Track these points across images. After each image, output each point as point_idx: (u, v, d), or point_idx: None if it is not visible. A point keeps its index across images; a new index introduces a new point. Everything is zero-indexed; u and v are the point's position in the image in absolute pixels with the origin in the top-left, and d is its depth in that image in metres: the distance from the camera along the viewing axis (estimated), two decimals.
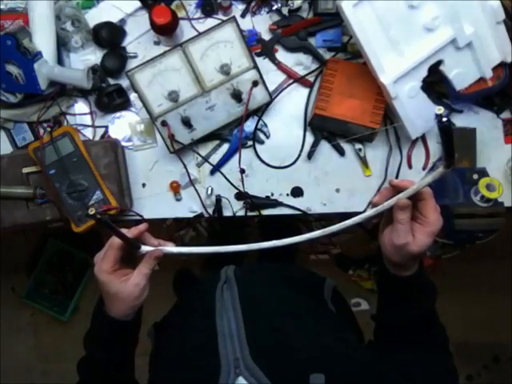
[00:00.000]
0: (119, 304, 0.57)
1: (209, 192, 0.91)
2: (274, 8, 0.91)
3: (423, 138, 0.92)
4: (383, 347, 0.63)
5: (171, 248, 0.60)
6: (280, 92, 0.92)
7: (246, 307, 0.58)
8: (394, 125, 0.87)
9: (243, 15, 0.93)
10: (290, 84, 0.92)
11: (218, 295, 0.63)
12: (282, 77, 0.94)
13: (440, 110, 0.45)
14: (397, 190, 0.56)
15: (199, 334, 0.59)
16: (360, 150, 0.91)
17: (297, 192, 0.93)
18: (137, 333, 0.65)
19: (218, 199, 0.89)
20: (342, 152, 0.92)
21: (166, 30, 0.86)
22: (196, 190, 0.89)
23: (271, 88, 0.90)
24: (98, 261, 0.57)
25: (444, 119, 0.46)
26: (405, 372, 0.54)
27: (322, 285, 0.76)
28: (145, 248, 0.59)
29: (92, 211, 0.49)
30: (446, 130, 0.47)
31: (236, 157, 0.90)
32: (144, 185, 0.93)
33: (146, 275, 0.57)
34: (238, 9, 0.94)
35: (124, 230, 0.57)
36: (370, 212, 0.57)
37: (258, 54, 0.93)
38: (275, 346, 0.51)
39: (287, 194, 0.93)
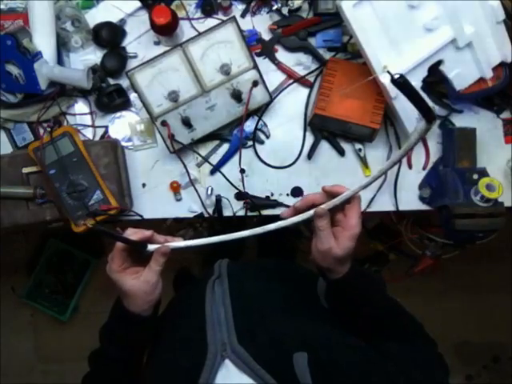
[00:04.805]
0: (134, 300, 0.59)
1: (209, 192, 0.91)
2: (274, 8, 0.91)
3: (423, 138, 0.92)
4: None
5: (178, 243, 0.62)
6: (280, 92, 0.92)
7: (236, 300, 0.60)
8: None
9: (243, 15, 0.93)
10: (290, 84, 0.92)
11: (208, 289, 0.64)
12: (282, 77, 0.94)
13: (385, 68, 0.44)
14: (329, 195, 0.59)
15: (189, 325, 0.60)
16: (360, 150, 0.91)
17: (297, 192, 0.93)
18: (152, 330, 0.66)
19: (218, 199, 0.89)
20: (342, 152, 0.92)
21: (165, 30, 0.86)
22: (196, 190, 0.89)
23: (271, 88, 0.90)
24: (109, 260, 0.60)
25: (396, 76, 0.43)
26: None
27: (316, 281, 0.76)
28: (151, 246, 0.60)
29: (88, 222, 0.50)
30: (403, 86, 0.44)
31: (236, 157, 0.90)
32: (144, 185, 0.93)
33: (156, 272, 0.59)
34: (237, 9, 0.94)
35: (131, 231, 0.59)
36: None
37: (258, 54, 0.93)
38: (261, 331, 0.53)
39: (287, 194, 0.93)
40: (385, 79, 0.78)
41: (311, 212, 0.58)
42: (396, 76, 0.43)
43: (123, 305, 0.60)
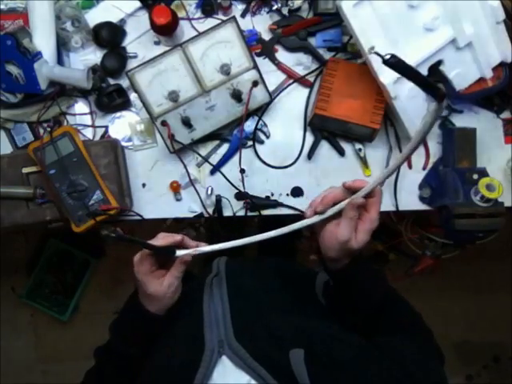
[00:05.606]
0: (155, 302, 0.61)
1: (209, 192, 0.91)
2: (274, 8, 0.91)
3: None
4: None
5: (204, 248, 0.62)
6: (280, 92, 0.92)
7: (234, 297, 0.60)
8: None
9: (243, 15, 0.93)
10: (290, 84, 0.92)
11: (206, 287, 0.65)
12: (282, 77, 0.93)
13: (372, 48, 0.39)
14: (351, 190, 0.58)
15: (186, 323, 0.61)
16: (360, 150, 0.91)
17: (297, 192, 0.93)
18: (160, 328, 0.66)
19: (218, 199, 0.89)
20: (342, 152, 0.92)
21: (166, 30, 0.86)
22: (196, 189, 0.89)
23: (271, 88, 0.90)
24: (137, 263, 0.60)
25: (387, 57, 0.37)
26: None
27: (314, 279, 0.76)
28: (180, 252, 0.61)
29: (109, 230, 0.50)
30: (397, 67, 0.38)
31: (236, 157, 0.90)
32: (144, 185, 0.93)
33: (177, 278, 0.61)
34: (237, 9, 0.94)
35: (162, 235, 0.61)
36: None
37: (258, 54, 0.93)
38: (259, 328, 0.53)
39: (287, 194, 0.93)
40: (385, 79, 0.78)
41: (344, 202, 0.56)
42: (387, 56, 0.37)
43: (140, 303, 0.61)
